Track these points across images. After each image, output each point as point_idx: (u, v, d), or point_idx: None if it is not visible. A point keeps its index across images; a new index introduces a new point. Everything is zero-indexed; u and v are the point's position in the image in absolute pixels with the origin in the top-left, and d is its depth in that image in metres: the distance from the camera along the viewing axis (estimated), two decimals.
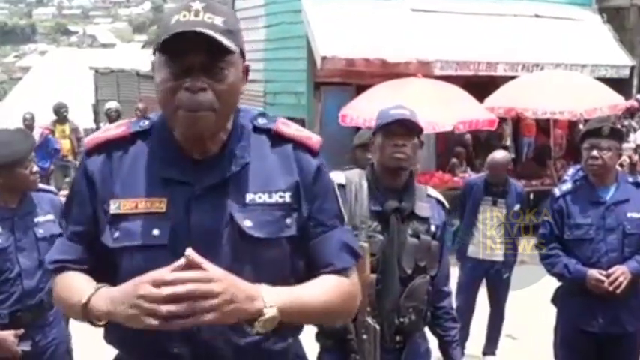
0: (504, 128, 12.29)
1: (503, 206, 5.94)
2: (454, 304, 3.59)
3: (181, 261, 1.57)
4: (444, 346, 3.33)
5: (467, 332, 6.06)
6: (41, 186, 4.06)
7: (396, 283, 3.00)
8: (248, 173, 1.80)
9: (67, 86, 19.44)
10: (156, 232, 1.75)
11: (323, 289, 1.79)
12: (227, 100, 1.74)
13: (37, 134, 11.42)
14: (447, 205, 3.27)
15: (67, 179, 12.16)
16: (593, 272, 3.84)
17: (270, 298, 1.65)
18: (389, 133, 3.07)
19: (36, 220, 3.73)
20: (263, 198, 1.79)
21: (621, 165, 6.98)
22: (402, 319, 3.03)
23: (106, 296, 1.67)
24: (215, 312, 1.55)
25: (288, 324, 1.73)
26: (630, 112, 11.99)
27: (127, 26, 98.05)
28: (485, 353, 6.11)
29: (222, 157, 1.80)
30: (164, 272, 1.57)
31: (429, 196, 3.19)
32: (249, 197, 1.78)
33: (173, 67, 1.70)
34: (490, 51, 12.23)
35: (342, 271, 1.85)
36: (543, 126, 12.36)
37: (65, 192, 7.62)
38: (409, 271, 3.02)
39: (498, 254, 5.96)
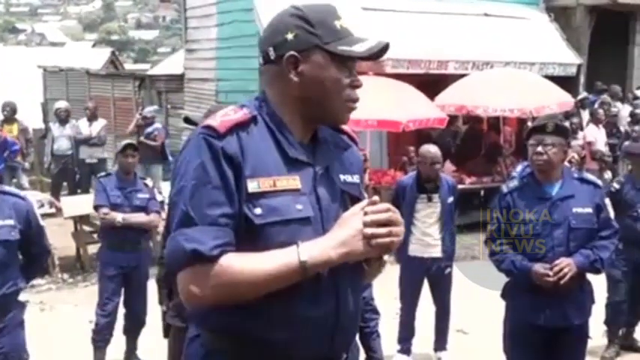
0: (458, 127, 12.39)
1: (438, 201, 5.93)
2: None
3: (367, 201, 1.94)
4: (364, 337, 3.31)
5: (412, 330, 6.09)
6: (7, 188, 3.99)
7: None
8: (338, 157, 2.12)
9: (15, 85, 19.06)
10: (299, 206, 1.94)
11: None
12: None
13: None
14: (365, 195, 3.25)
15: (14, 180, 11.93)
16: (538, 267, 3.91)
17: None
18: None
19: None
20: (349, 178, 2.12)
21: (570, 162, 7.10)
22: None
23: (329, 246, 1.88)
24: (399, 237, 1.91)
25: None
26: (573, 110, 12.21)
27: (77, 24, 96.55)
28: (436, 350, 6.14)
29: (320, 142, 2.08)
30: (379, 205, 1.91)
31: None
32: (342, 177, 2.10)
33: (345, 67, 2.01)
34: (441, 49, 12.35)
35: None
36: (493, 123, 12.50)
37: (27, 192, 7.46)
38: None
39: (438, 250, 5.96)
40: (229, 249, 1.87)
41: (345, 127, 2.18)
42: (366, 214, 1.89)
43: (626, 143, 11.63)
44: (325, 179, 2.03)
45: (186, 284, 1.88)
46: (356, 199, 2.06)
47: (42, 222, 4.20)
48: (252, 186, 1.90)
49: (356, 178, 2.15)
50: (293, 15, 2.00)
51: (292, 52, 1.97)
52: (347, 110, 2.05)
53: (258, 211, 1.90)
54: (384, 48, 2.01)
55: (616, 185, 6.14)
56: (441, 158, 6.03)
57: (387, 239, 1.89)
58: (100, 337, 5.81)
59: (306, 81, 1.98)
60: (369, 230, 1.87)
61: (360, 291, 2.15)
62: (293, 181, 1.95)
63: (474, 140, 12.20)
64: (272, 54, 2.00)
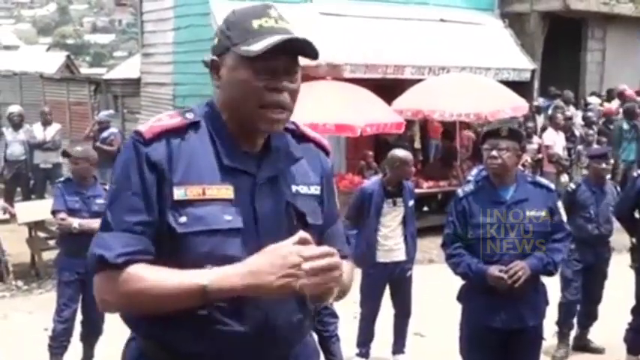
0: (414, 131, 12.49)
1: (402, 205, 6.01)
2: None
3: (298, 236, 1.77)
4: (324, 341, 3.32)
5: (372, 334, 6.13)
6: None
7: None
8: (292, 167, 2.01)
9: None
10: (228, 217, 1.86)
11: (347, 269, 2.05)
12: (296, 99, 1.96)
13: None
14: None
15: None
16: (493, 270, 3.96)
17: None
18: None
19: None
20: (304, 189, 2.01)
21: (523, 165, 7.22)
22: None
23: (236, 273, 1.75)
24: (337, 282, 1.80)
25: None
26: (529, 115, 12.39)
27: (31, 28, 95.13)
28: (394, 352, 6.17)
29: (271, 151, 1.98)
30: (307, 248, 1.76)
31: None
32: (294, 188, 2.00)
33: (258, 69, 1.87)
34: (398, 54, 12.43)
35: (347, 258, 2.10)
36: (450, 128, 12.63)
37: None
38: None
39: (402, 253, 6.02)
40: (140, 258, 1.82)
41: (313, 134, 2.12)
42: (305, 258, 1.74)
43: (580, 147, 11.92)
44: (269, 191, 1.94)
45: (95, 289, 1.87)
46: (301, 217, 1.95)
47: None
48: (179, 193, 1.85)
49: (314, 189, 2.04)
50: (223, 20, 1.98)
51: (213, 57, 1.96)
52: (263, 116, 1.90)
53: (182, 219, 1.84)
54: (292, 42, 1.86)
55: (572, 185, 6.34)
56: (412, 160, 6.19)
57: (322, 288, 1.76)
58: (57, 344, 5.74)
59: (224, 85, 1.94)
60: (303, 281, 1.73)
61: (299, 302, 1.98)
62: (225, 191, 1.88)
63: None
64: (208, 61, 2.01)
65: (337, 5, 12.64)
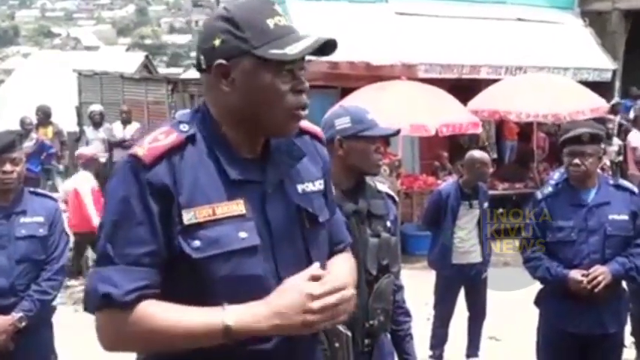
0: (482, 132, 12.33)
1: (477, 207, 5.99)
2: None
3: (313, 270, 1.76)
4: (398, 341, 3.29)
5: (446, 336, 6.09)
6: (40, 190, 4.10)
7: (363, 286, 2.86)
8: (294, 166, 1.91)
9: (50, 89, 19.27)
10: (243, 234, 1.76)
11: (350, 272, 1.99)
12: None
13: (31, 141, 11.41)
14: (397, 198, 3.24)
15: (50, 182, 12.09)
16: (573, 274, 3.87)
17: None
18: (373, 141, 3.03)
19: (22, 220, 3.73)
20: (310, 187, 1.92)
21: (602, 169, 7.01)
22: (371, 322, 2.93)
23: (262, 314, 1.69)
24: (347, 314, 1.78)
25: None
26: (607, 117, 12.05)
27: (111, 29, 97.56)
28: (468, 356, 6.11)
29: (272, 154, 1.87)
30: (316, 285, 1.72)
31: (379, 192, 3.10)
32: (300, 188, 1.89)
33: (281, 72, 1.78)
34: (474, 54, 12.30)
35: (348, 245, 2.13)
36: (526, 129, 12.42)
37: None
38: (374, 272, 2.94)
39: (477, 256, 5.99)
40: (149, 292, 1.70)
41: (306, 125, 1.97)
42: (314, 298, 1.70)
43: None
44: (279, 197, 1.83)
45: (99, 329, 1.74)
46: (314, 218, 1.88)
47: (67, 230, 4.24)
48: (188, 217, 1.72)
49: (319, 184, 1.94)
50: (220, 17, 1.80)
51: (220, 61, 1.77)
52: (292, 119, 1.82)
53: (196, 243, 1.72)
54: (328, 45, 1.80)
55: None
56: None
57: (329, 322, 1.74)
58: None
59: (239, 91, 1.77)
60: (310, 317, 1.69)
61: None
62: (236, 206, 1.75)
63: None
64: (203, 63, 1.82)
65: (413, 5, 12.57)
